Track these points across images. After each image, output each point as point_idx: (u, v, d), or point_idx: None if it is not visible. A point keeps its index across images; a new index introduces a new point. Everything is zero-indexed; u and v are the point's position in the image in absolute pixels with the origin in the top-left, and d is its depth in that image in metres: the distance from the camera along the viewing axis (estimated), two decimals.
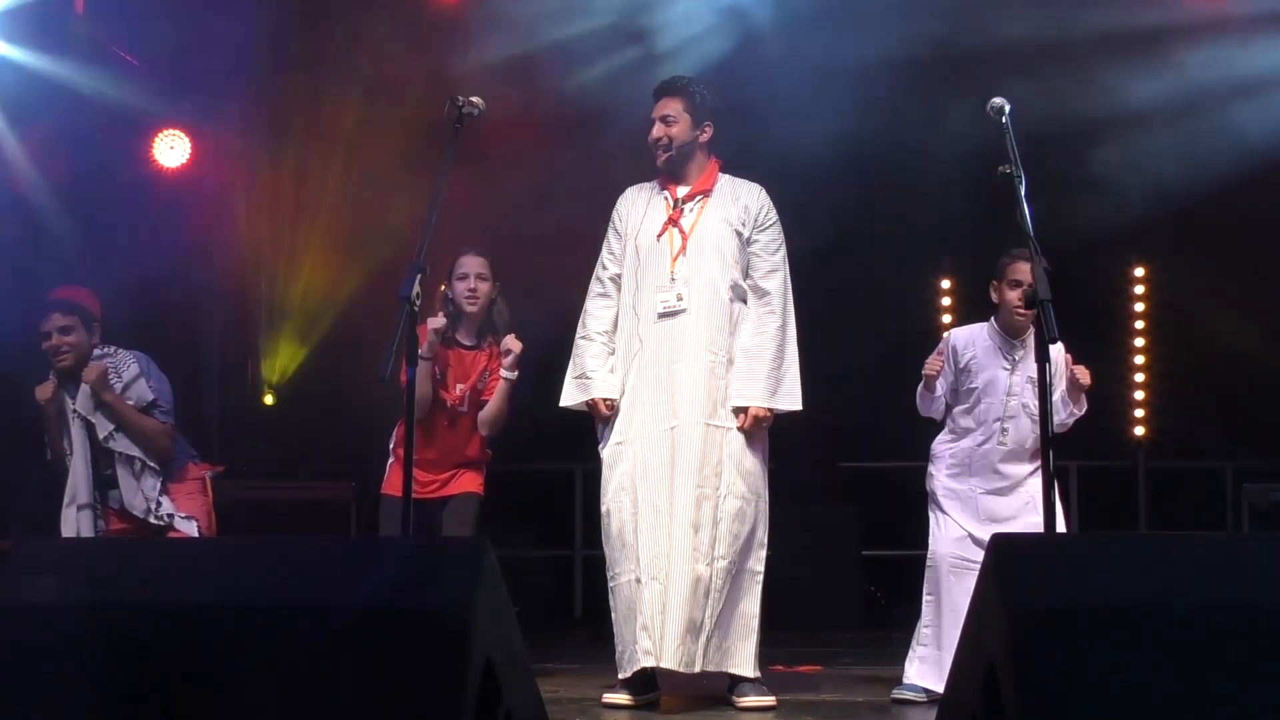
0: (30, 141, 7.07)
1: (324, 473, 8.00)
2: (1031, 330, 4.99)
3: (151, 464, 5.19)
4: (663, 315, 4.73)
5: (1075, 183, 7.10)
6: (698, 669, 4.57)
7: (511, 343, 5.19)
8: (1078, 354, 5.04)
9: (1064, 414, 5.00)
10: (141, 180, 7.63)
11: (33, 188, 7.10)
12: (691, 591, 4.53)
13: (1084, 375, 4.95)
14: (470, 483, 5.27)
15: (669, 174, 4.88)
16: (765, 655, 4.79)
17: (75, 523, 5.11)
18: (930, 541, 5.05)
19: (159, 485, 5.20)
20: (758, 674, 4.70)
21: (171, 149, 7.84)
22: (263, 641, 2.75)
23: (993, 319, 5.09)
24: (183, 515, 5.18)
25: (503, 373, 5.19)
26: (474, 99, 4.27)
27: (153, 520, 5.17)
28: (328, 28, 7.69)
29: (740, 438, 4.69)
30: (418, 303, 3.92)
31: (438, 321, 5.13)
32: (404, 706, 2.66)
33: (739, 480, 4.67)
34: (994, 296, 5.06)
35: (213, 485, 5.44)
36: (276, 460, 8.44)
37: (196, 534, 5.17)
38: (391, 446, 5.35)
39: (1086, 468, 8.39)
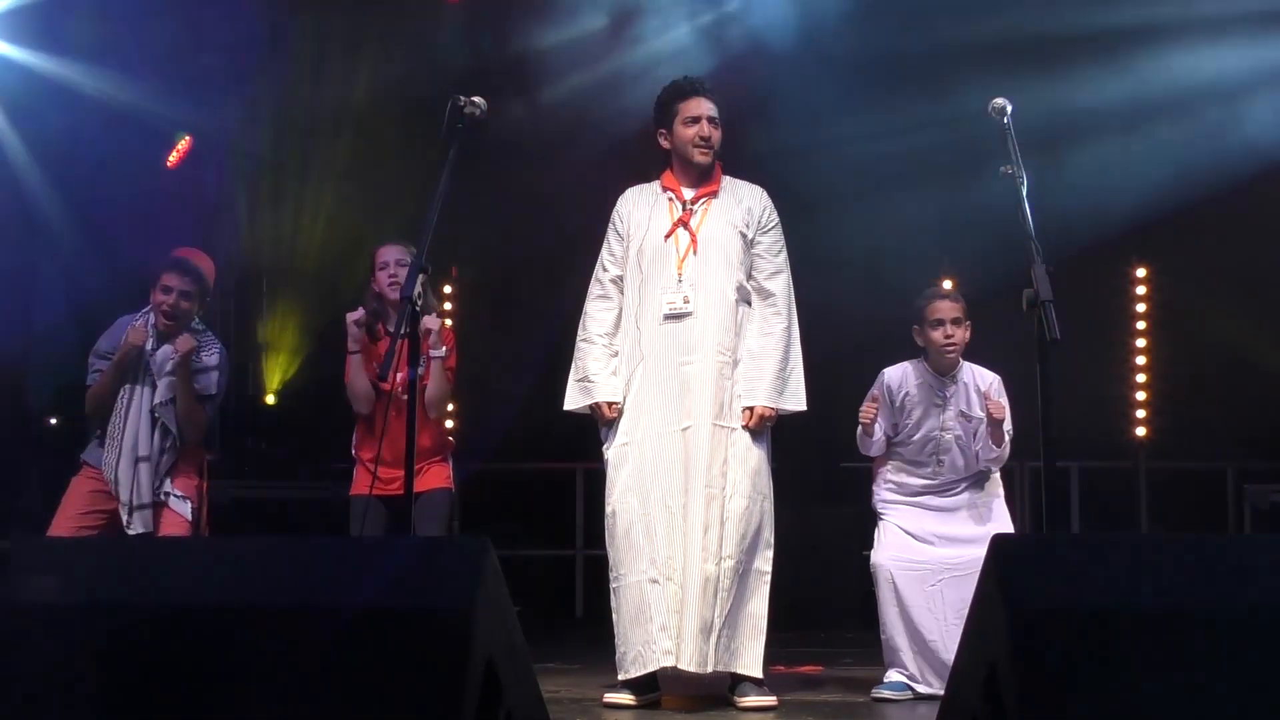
0: (31, 140, 7.08)
1: (324, 473, 8.00)
2: (962, 365, 5.12)
3: (178, 444, 5.20)
4: (669, 317, 4.72)
5: (1076, 182, 7.09)
6: (710, 669, 4.57)
7: (430, 321, 5.10)
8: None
9: (990, 455, 5.07)
10: (142, 178, 7.63)
11: (34, 187, 7.10)
12: (702, 591, 4.54)
13: (996, 409, 4.98)
14: (437, 478, 5.24)
15: (688, 174, 4.86)
16: (766, 655, 4.79)
17: (132, 473, 5.10)
18: (872, 553, 5.13)
19: (172, 466, 5.20)
20: (759, 674, 4.70)
21: (174, 148, 7.85)
22: (263, 641, 2.74)
23: (923, 357, 5.16)
24: (179, 494, 5.20)
25: (430, 352, 5.14)
26: (475, 99, 4.26)
27: (157, 494, 5.17)
28: (329, 26, 7.70)
29: (745, 437, 4.70)
30: (419, 302, 3.93)
31: (356, 314, 5.16)
32: (405, 706, 2.65)
33: (745, 479, 4.67)
34: (918, 340, 5.14)
35: (208, 468, 5.44)
36: (277, 460, 8.45)
37: (189, 515, 5.18)
38: (354, 450, 5.34)
39: (1087, 468, 8.39)
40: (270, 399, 8.93)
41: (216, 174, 8.22)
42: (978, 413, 5.06)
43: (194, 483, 5.28)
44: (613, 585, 4.72)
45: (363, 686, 2.68)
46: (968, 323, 5.08)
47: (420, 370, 5.14)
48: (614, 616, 4.72)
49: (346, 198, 8.35)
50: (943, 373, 5.11)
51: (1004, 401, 5.06)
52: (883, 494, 5.25)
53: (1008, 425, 5.04)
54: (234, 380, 8.90)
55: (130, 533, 5.10)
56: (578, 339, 4.89)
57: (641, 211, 4.86)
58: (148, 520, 5.12)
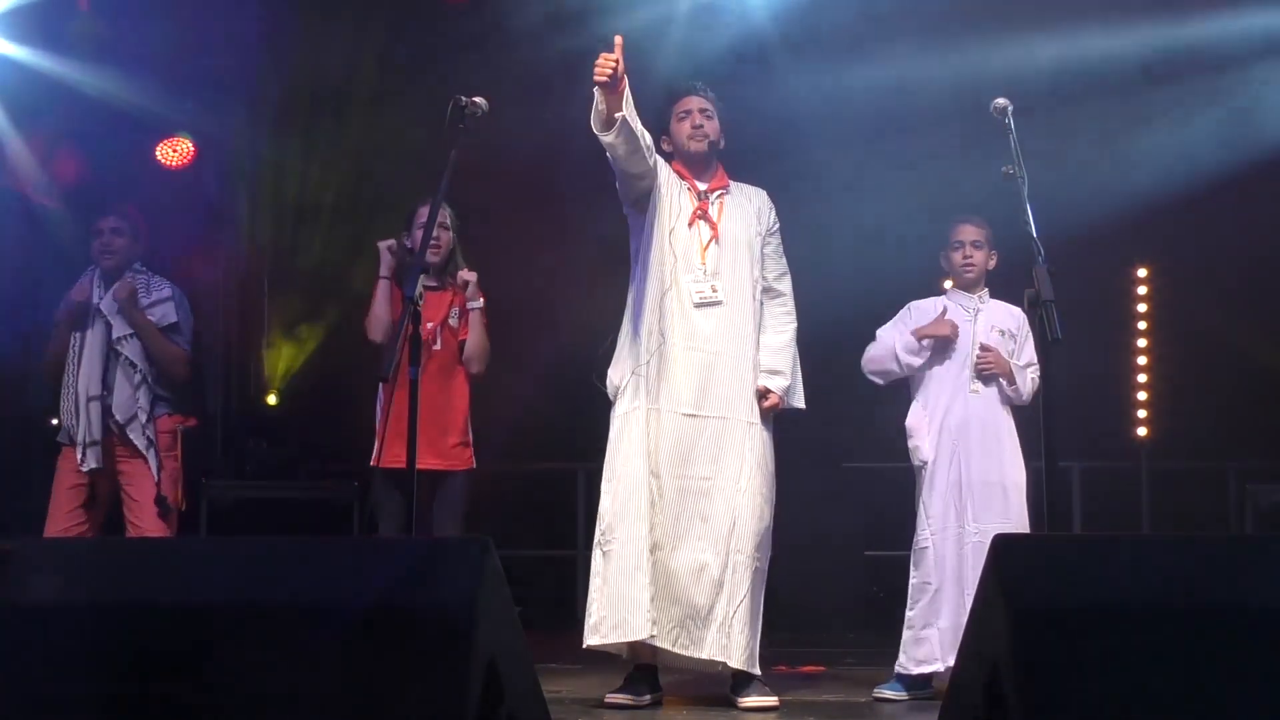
0: (33, 141, 7.07)
1: (326, 472, 8.00)
2: (987, 291, 5.24)
3: (150, 379, 5.38)
4: (698, 305, 4.75)
5: (1078, 182, 7.08)
6: (704, 656, 4.57)
7: (466, 274, 5.19)
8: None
9: (1009, 392, 5.09)
10: (144, 180, 7.62)
11: (36, 187, 7.10)
12: (707, 580, 4.56)
13: (984, 364, 5.04)
14: (459, 458, 5.22)
15: (692, 166, 4.91)
16: (768, 656, 4.79)
17: (85, 413, 5.30)
18: (919, 524, 5.08)
19: (151, 400, 5.39)
20: (758, 671, 4.70)
21: (175, 149, 7.83)
22: (264, 642, 2.75)
23: (950, 288, 5.31)
24: (156, 454, 5.35)
25: (469, 304, 5.19)
26: (477, 99, 4.28)
27: (131, 434, 5.33)
28: (332, 26, 7.70)
29: (759, 434, 4.74)
30: (421, 302, 3.93)
31: (388, 241, 5.18)
32: (407, 707, 2.66)
33: (757, 476, 4.70)
34: (944, 265, 5.32)
35: (183, 440, 5.56)
36: (279, 460, 8.44)
37: (155, 477, 5.34)
38: (379, 412, 5.28)
39: (1089, 468, 8.38)
40: (272, 399, 8.93)
41: (217, 174, 8.20)
42: (1010, 328, 5.14)
43: (171, 459, 5.43)
44: (605, 547, 4.66)
45: (365, 687, 2.68)
46: (992, 250, 5.23)
47: (456, 324, 5.19)
48: (595, 580, 4.65)
49: (349, 197, 8.34)
50: (969, 290, 5.24)
51: (1006, 349, 5.10)
52: (925, 446, 5.11)
53: (1032, 372, 5.06)
54: (237, 380, 8.95)
55: (84, 469, 5.30)
56: None
57: (674, 190, 4.88)
58: (99, 456, 5.31)
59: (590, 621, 4.64)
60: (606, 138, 4.55)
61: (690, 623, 4.56)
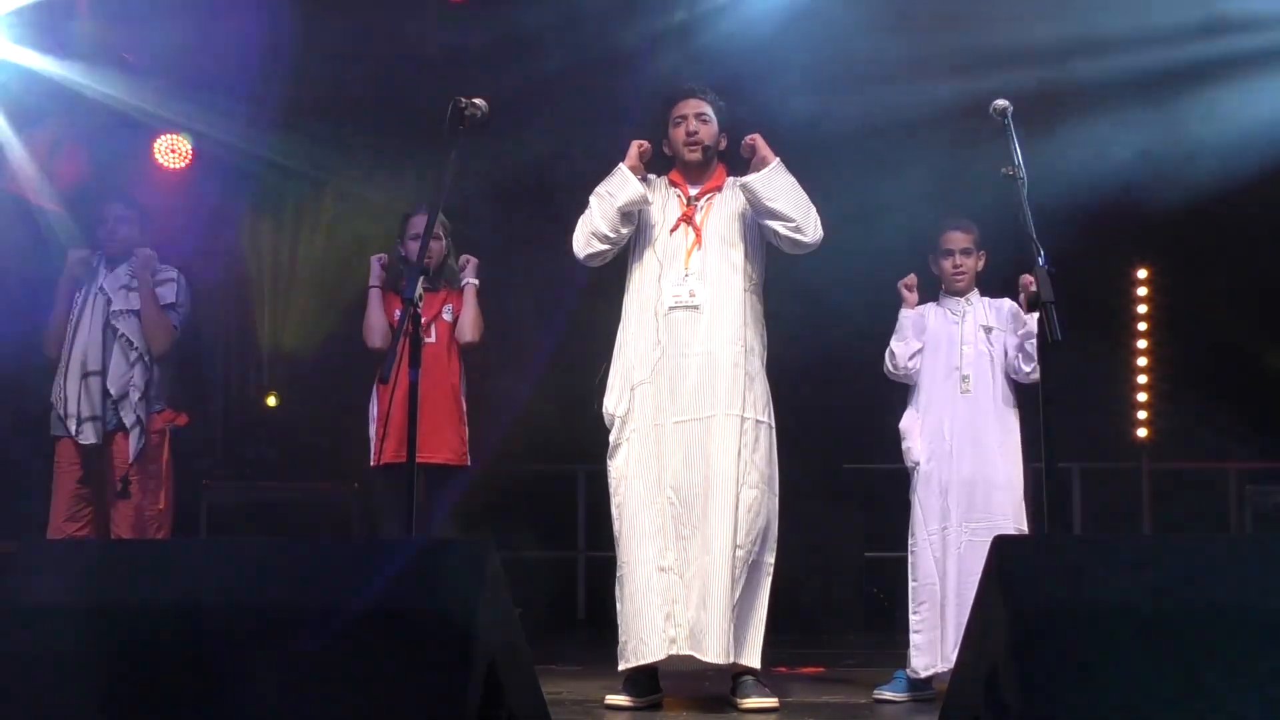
0: (33, 143, 7.06)
1: (325, 473, 7.99)
2: (977, 293, 5.23)
3: (146, 359, 5.46)
4: (674, 309, 4.77)
5: (1078, 182, 7.08)
6: (708, 658, 4.56)
7: (468, 258, 5.41)
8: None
9: (1029, 366, 4.99)
10: (144, 182, 7.62)
11: (35, 189, 7.10)
12: (712, 581, 4.55)
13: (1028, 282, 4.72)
14: (453, 450, 5.25)
15: (688, 172, 4.92)
16: (768, 657, 4.79)
17: (79, 387, 5.40)
18: (912, 526, 5.07)
19: (146, 380, 5.46)
20: (757, 664, 4.70)
21: (174, 151, 7.82)
22: (264, 642, 2.75)
23: (939, 294, 5.29)
24: (144, 430, 5.41)
25: (466, 280, 5.37)
26: (476, 101, 4.28)
27: (122, 410, 5.40)
28: (332, 27, 7.69)
29: (753, 429, 4.72)
30: (420, 304, 3.93)
31: (381, 256, 5.43)
32: (407, 708, 2.66)
33: (754, 470, 4.70)
34: (934, 269, 5.30)
35: (176, 441, 5.62)
36: (278, 461, 8.44)
37: (130, 456, 5.35)
38: (373, 413, 5.32)
39: (1089, 469, 8.39)
40: (272, 401, 8.92)
41: (219, 177, 8.20)
42: (995, 324, 5.12)
43: (157, 461, 5.47)
44: (620, 571, 4.73)
45: (365, 688, 2.68)
46: (980, 253, 5.23)
47: (450, 318, 5.33)
48: (618, 606, 4.72)
49: (350, 199, 8.34)
50: (957, 295, 5.23)
51: (995, 345, 5.10)
52: (917, 447, 5.10)
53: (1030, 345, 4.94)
54: (237, 381, 8.95)
55: (82, 442, 5.37)
56: (590, 209, 4.87)
57: (660, 200, 4.91)
58: (98, 431, 5.39)
59: (618, 648, 4.70)
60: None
61: (699, 626, 4.56)
